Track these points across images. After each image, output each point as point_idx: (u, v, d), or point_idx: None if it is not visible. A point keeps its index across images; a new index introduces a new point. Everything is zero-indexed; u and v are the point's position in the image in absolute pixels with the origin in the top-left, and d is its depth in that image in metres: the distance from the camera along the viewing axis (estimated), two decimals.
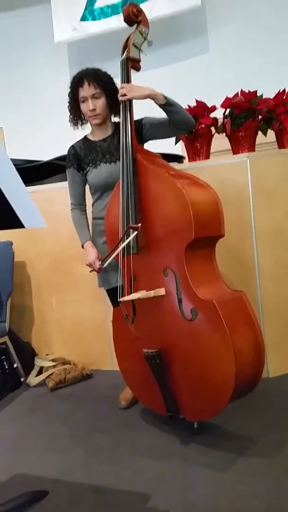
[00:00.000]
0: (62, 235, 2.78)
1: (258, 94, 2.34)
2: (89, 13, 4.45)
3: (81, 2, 4.45)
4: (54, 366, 2.71)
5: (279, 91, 2.38)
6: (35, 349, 2.93)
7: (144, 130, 2.00)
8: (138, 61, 1.96)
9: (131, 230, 1.78)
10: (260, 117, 2.35)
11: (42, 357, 2.84)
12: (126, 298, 1.83)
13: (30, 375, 2.71)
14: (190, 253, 1.69)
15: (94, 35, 4.44)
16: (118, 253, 1.84)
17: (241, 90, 2.33)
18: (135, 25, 1.95)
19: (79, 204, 2.16)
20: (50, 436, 2.01)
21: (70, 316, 2.85)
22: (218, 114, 2.38)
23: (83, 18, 4.47)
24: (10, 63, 4.95)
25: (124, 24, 1.98)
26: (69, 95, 2.05)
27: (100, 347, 2.75)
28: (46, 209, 2.72)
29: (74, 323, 2.84)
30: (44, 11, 4.61)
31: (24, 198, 1.12)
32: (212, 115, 2.36)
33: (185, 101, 2.09)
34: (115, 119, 2.09)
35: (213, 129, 2.41)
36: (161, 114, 1.92)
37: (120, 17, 2.03)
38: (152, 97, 1.84)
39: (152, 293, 1.75)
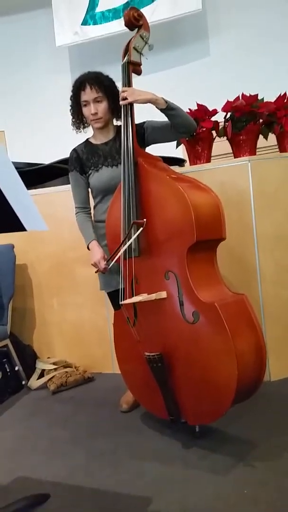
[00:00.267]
0: (63, 238, 2.79)
1: (259, 97, 2.34)
2: (90, 18, 4.47)
3: (82, 6, 4.48)
4: (55, 369, 2.71)
5: (280, 94, 2.38)
6: (36, 352, 2.93)
7: (146, 134, 2.01)
8: (139, 65, 1.97)
9: (135, 226, 1.77)
10: (261, 120, 2.36)
11: (43, 360, 2.84)
12: (128, 301, 1.82)
13: (32, 378, 2.71)
14: (191, 256, 1.69)
15: (95, 39, 4.47)
16: (119, 256, 1.84)
17: (242, 94, 2.34)
18: (136, 29, 1.96)
19: (83, 207, 2.14)
20: (51, 439, 2.01)
21: (71, 319, 2.85)
22: (219, 117, 2.39)
23: (84, 23, 4.49)
24: (11, 66, 4.98)
25: (125, 28, 1.99)
26: (71, 99, 2.06)
27: (101, 350, 2.75)
28: (48, 212, 2.72)
29: (76, 326, 2.84)
30: (45, 15, 4.64)
31: (25, 201, 1.13)
32: (213, 118, 2.36)
33: (186, 104, 2.10)
34: (117, 122, 2.10)
35: (214, 132, 2.42)
36: (162, 117, 1.93)
37: (121, 21, 2.04)
38: (153, 101, 1.85)
39: (153, 296, 1.75)
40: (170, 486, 1.55)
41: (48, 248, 2.87)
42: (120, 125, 1.98)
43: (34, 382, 2.68)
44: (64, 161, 2.50)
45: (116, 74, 2.01)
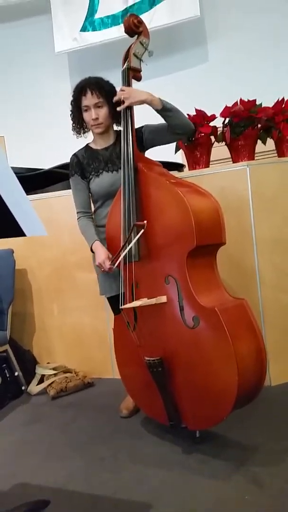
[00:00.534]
0: (63, 242, 2.79)
1: (257, 102, 2.36)
2: (90, 24, 4.50)
3: (81, 12, 4.51)
4: (55, 375, 2.70)
5: (278, 99, 2.40)
6: (36, 357, 2.92)
7: (144, 137, 2.01)
8: (139, 71, 1.98)
9: (136, 229, 1.77)
10: (259, 125, 2.37)
11: (43, 366, 2.83)
12: (128, 305, 1.83)
13: (31, 384, 2.70)
14: (191, 260, 1.70)
15: (94, 45, 4.49)
16: (120, 262, 1.84)
17: (240, 99, 2.35)
18: (136, 36, 1.97)
19: (85, 211, 2.13)
20: (51, 445, 2.00)
21: (71, 324, 2.85)
22: (218, 123, 2.40)
23: (83, 29, 4.52)
24: (11, 72, 5.00)
25: (124, 35, 2.00)
26: (71, 104, 2.06)
27: (101, 355, 2.75)
28: (47, 217, 2.73)
29: (76, 331, 2.84)
30: (44, 21, 4.67)
31: (25, 207, 1.13)
32: (212, 124, 2.37)
33: (185, 110, 2.10)
34: (117, 127, 2.11)
35: (212, 137, 2.43)
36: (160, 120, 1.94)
37: (120, 27, 2.06)
38: (149, 102, 1.85)
39: (153, 300, 1.75)
40: (170, 492, 1.54)
41: (48, 252, 2.87)
42: (120, 130, 1.99)
43: (34, 387, 2.67)
44: (64, 166, 2.51)
45: (115, 80, 2.02)
